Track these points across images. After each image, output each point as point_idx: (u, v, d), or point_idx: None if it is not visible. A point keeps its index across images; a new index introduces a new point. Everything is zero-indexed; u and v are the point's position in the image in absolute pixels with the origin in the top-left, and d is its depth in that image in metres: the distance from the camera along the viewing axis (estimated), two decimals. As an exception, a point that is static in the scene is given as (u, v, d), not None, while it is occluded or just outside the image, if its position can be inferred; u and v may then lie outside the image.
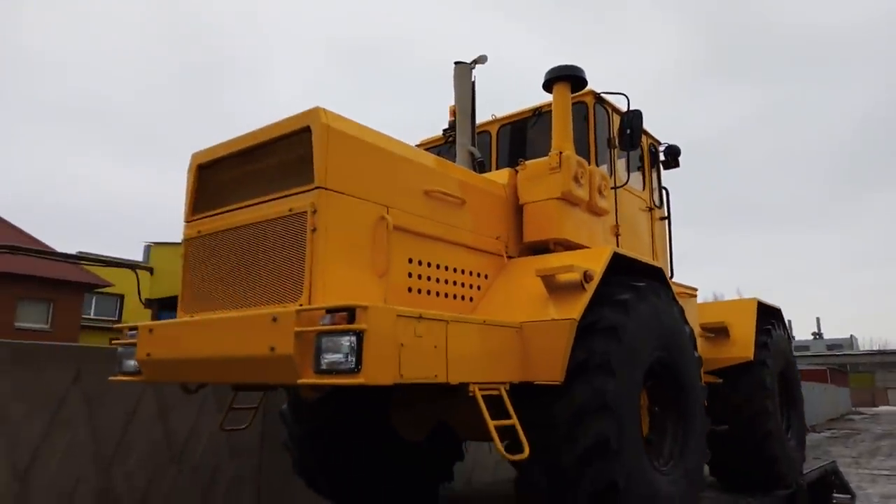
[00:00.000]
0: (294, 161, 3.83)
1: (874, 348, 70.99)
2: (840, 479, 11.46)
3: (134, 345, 4.24)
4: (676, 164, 6.65)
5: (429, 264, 4.28)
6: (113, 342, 4.49)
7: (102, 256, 16.77)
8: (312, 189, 3.64)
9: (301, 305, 3.48)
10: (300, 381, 3.21)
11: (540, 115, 6.00)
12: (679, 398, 4.90)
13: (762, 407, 6.65)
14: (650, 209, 6.40)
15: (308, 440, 5.57)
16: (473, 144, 5.78)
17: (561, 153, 4.98)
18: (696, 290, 6.72)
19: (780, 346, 7.32)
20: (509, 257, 4.98)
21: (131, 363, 4.32)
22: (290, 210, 3.72)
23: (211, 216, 4.24)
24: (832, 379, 45.97)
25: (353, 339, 3.07)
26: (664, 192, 6.71)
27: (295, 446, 5.68)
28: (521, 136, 6.18)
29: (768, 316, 7.42)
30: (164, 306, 14.35)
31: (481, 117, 6.16)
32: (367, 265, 3.83)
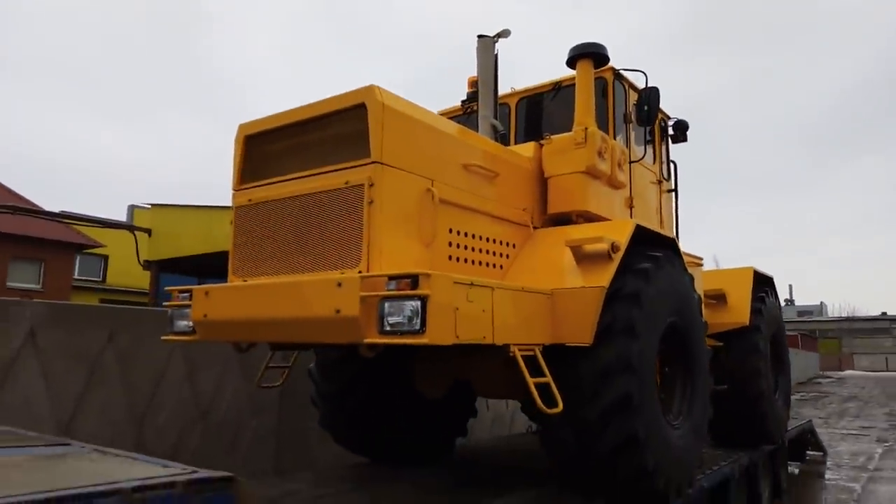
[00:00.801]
0: (349, 136, 4.05)
1: (842, 315, 73.39)
2: (815, 437, 12.21)
3: (188, 306, 4.49)
4: (685, 139, 6.95)
5: (466, 234, 4.56)
6: (164, 305, 4.72)
7: (98, 218, 16.74)
8: (369, 163, 3.89)
9: (361, 272, 3.76)
10: (366, 340, 3.51)
11: (559, 90, 6.23)
12: (687, 360, 5.30)
13: (755, 369, 7.12)
14: (659, 182, 6.72)
15: (334, 397, 5.90)
16: (496, 117, 6.01)
17: (586, 129, 5.25)
18: (701, 259, 7.10)
19: (772, 313, 7.79)
20: (534, 228, 5.28)
21: (184, 324, 4.58)
22: (347, 183, 3.96)
23: (261, 185, 4.46)
24: (802, 344, 47.53)
25: (418, 303, 3.36)
26: (672, 165, 7.03)
27: (322, 402, 6.01)
28: (539, 110, 6.41)
29: (762, 284, 7.86)
30: (164, 268, 14.44)
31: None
32: (415, 235, 4.11)
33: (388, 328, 3.47)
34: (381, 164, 3.90)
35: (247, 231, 4.49)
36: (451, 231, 4.43)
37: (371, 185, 3.85)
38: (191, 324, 4.50)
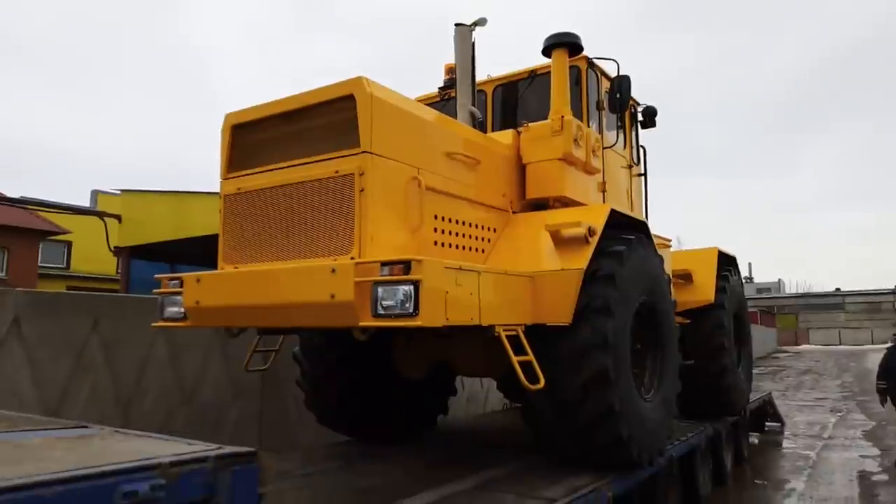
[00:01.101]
0: (338, 126, 4.18)
1: (799, 291, 75.81)
2: (774, 408, 12.81)
3: (178, 293, 4.59)
4: (653, 124, 7.21)
5: (450, 220, 4.74)
6: (154, 292, 4.81)
7: (66, 204, 16.42)
8: (359, 153, 4.03)
9: (353, 258, 3.92)
10: (361, 323, 3.68)
11: (535, 77, 6.41)
12: (657, 337, 5.59)
13: (720, 344, 7.50)
14: (630, 166, 6.98)
15: (320, 379, 6.06)
16: (474, 104, 6.17)
17: (563, 117, 5.45)
18: (670, 240, 7.41)
19: (735, 291, 8.17)
20: (513, 213, 5.49)
21: (174, 310, 4.68)
22: (337, 171, 4.10)
23: (250, 174, 4.56)
24: (761, 320, 49.08)
25: (411, 287, 3.54)
26: (642, 150, 7.29)
27: (308, 385, 6.17)
28: (515, 97, 6.59)
29: (726, 263, 8.23)
30: (134, 255, 14.30)
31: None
32: (403, 221, 4.27)
33: (381, 311, 3.65)
34: (371, 153, 4.04)
35: (236, 219, 4.59)
36: (436, 217, 4.61)
37: (361, 174, 4.00)
38: (182, 310, 4.61)
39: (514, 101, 6.61)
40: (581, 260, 4.61)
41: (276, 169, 4.43)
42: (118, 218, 13.81)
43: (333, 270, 3.76)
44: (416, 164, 4.41)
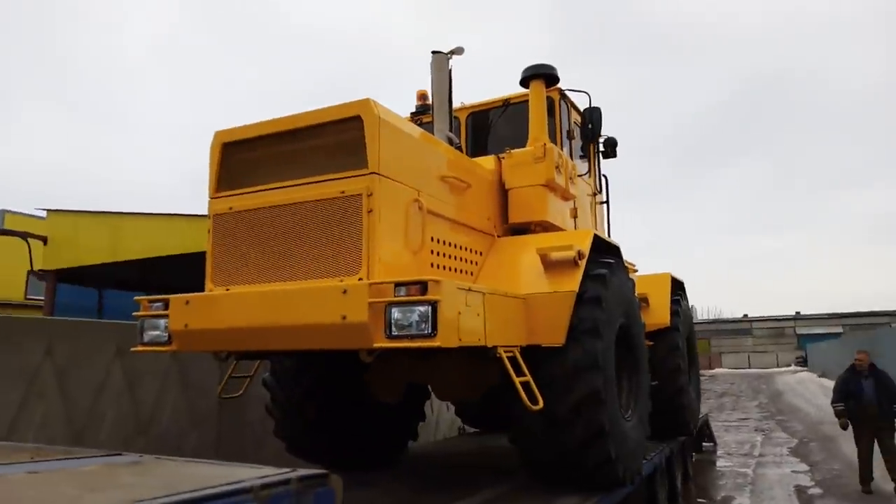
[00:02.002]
0: (342, 146, 4.15)
1: (710, 317, 79.76)
2: (710, 429, 13.39)
3: (163, 316, 4.39)
4: (614, 154, 7.52)
5: (445, 242, 4.77)
6: (134, 314, 4.57)
7: None
8: (367, 174, 4.01)
9: (361, 279, 3.88)
10: (375, 344, 3.64)
11: (508, 106, 6.59)
12: (632, 358, 5.78)
13: (676, 365, 7.81)
14: (595, 194, 7.24)
15: (292, 405, 5.89)
16: (451, 131, 6.27)
17: (545, 144, 5.62)
18: (636, 266, 7.70)
19: (686, 314, 8.55)
20: (497, 236, 5.58)
21: (155, 334, 4.47)
22: (343, 192, 4.06)
23: (243, 193, 4.45)
24: (678, 345, 51.11)
25: (428, 308, 3.54)
26: (604, 179, 7.59)
27: (279, 411, 5.98)
28: (488, 124, 6.74)
29: (676, 288, 8.61)
30: (61, 278, 13.41)
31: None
32: (406, 243, 4.27)
33: (395, 333, 3.62)
34: (379, 174, 4.04)
35: (227, 239, 4.45)
36: (432, 239, 4.63)
37: (370, 195, 3.98)
38: (165, 334, 4.41)
39: (487, 128, 6.76)
40: (572, 282, 4.73)
41: (272, 189, 4.34)
42: (44, 240, 12.96)
43: (345, 291, 3.71)
44: (417, 186, 4.43)
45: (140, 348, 4.56)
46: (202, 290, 4.45)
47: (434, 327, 3.53)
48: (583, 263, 4.86)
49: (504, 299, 4.44)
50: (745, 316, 76.35)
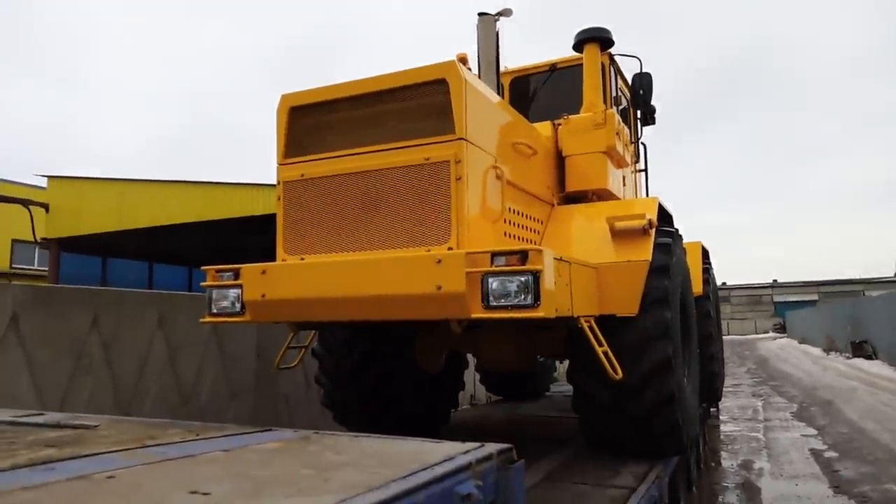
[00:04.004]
0: (426, 111, 4.01)
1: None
2: (715, 394, 13.62)
3: (234, 286, 4.27)
4: (653, 122, 7.45)
5: (516, 211, 4.69)
6: (202, 284, 4.44)
7: None
8: (454, 140, 3.89)
9: (451, 248, 3.79)
10: (473, 315, 3.57)
11: (554, 70, 6.46)
12: (687, 326, 5.79)
13: (708, 333, 7.89)
14: (635, 162, 7.18)
15: (345, 376, 5.84)
16: (499, 95, 6.13)
17: (606, 110, 5.52)
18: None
19: (714, 283, 8.60)
20: (554, 205, 5.50)
21: (226, 304, 4.35)
22: (427, 159, 3.94)
23: (315, 160, 4.30)
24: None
25: (530, 278, 3.47)
26: (643, 147, 7.52)
27: (330, 382, 5.92)
28: (533, 90, 6.61)
29: (705, 257, 8.64)
30: (65, 247, 13.04)
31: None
32: (487, 212, 4.18)
33: (493, 303, 3.55)
34: (466, 140, 3.92)
35: (300, 207, 4.32)
36: (508, 209, 4.54)
37: (458, 162, 3.87)
38: (238, 304, 4.29)
39: (533, 94, 6.63)
40: (645, 251, 4.69)
41: (348, 155, 4.20)
42: (45, 207, 12.55)
43: (439, 261, 3.62)
44: (494, 153, 4.33)
45: (209, 319, 4.44)
46: (216, 259, 4.33)
47: (537, 297, 3.46)
48: (652, 232, 4.82)
49: (584, 269, 4.39)
50: (724, 284, 77.64)
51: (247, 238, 12.27)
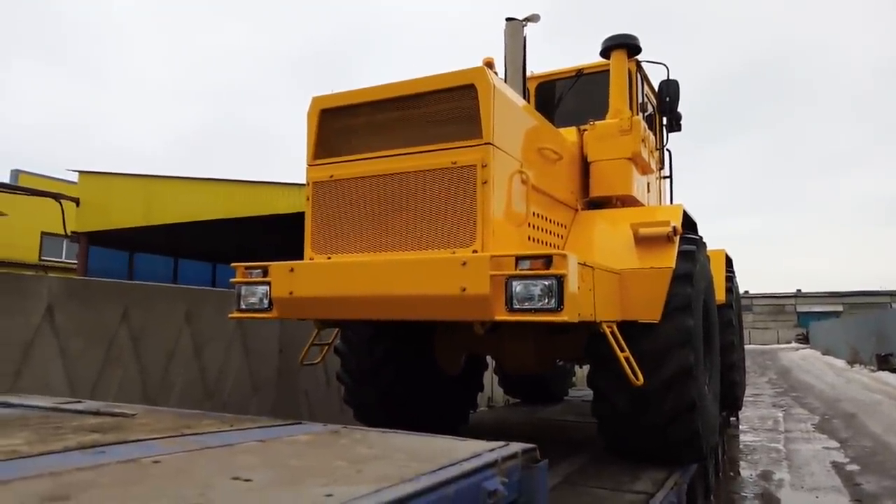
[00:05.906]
0: (454, 116, 4.08)
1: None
2: (736, 403, 13.49)
3: (263, 283, 4.37)
4: (679, 128, 7.43)
5: (541, 216, 4.74)
6: (231, 281, 4.55)
7: (19, 186, 15.07)
8: (481, 144, 3.96)
9: (476, 251, 3.85)
10: (497, 317, 3.62)
11: (580, 76, 6.49)
12: (709, 334, 5.79)
13: (730, 341, 7.85)
14: (660, 168, 7.18)
15: (365, 374, 5.92)
16: (525, 100, 6.18)
17: (632, 117, 5.55)
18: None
19: (736, 291, 8.56)
20: (578, 210, 5.54)
21: (255, 300, 4.45)
22: (454, 162, 4.01)
23: (344, 161, 4.39)
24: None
25: (554, 282, 3.52)
26: (668, 153, 7.51)
27: (349, 378, 6.01)
28: (559, 95, 6.65)
29: (728, 265, 8.60)
30: (93, 241, 13.36)
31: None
32: (512, 216, 4.24)
33: (517, 306, 3.60)
34: (493, 145, 3.98)
35: (328, 207, 4.41)
36: (533, 214, 4.59)
37: (485, 166, 3.93)
38: (266, 300, 4.39)
39: (559, 99, 6.66)
40: (669, 259, 4.71)
41: (377, 157, 4.28)
42: (76, 201, 12.86)
43: (464, 263, 3.68)
44: (520, 157, 4.38)
45: (237, 314, 4.55)
46: (243, 257, 4.43)
47: (561, 301, 3.51)
48: (677, 240, 4.83)
49: (607, 274, 4.42)
50: (746, 292, 76.71)
51: (270, 237, 12.48)
